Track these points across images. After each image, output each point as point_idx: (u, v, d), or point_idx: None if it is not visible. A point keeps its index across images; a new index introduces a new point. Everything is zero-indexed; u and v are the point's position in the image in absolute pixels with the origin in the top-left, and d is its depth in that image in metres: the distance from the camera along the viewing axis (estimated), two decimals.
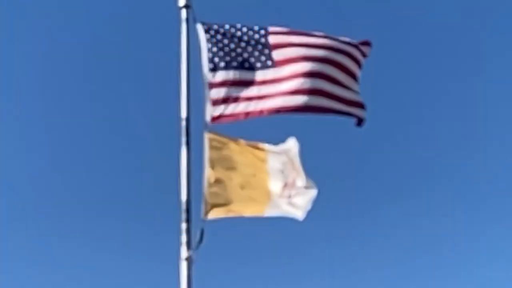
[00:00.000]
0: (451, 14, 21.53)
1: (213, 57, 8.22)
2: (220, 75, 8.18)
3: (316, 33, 8.53)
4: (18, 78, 20.04)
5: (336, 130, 18.72)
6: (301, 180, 8.09)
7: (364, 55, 8.67)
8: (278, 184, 8.17)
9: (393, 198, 20.45)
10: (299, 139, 8.29)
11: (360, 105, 8.45)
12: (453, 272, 19.60)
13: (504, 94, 21.17)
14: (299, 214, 8.11)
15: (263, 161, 8.23)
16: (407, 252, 19.64)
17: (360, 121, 8.44)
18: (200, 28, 8.37)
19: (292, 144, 8.22)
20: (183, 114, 8.01)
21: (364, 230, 19.75)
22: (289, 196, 8.12)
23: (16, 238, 18.77)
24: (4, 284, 17.71)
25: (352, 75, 8.52)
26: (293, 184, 8.13)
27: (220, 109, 8.08)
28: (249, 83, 8.20)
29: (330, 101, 8.27)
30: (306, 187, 8.09)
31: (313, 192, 8.07)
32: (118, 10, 20.31)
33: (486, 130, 21.22)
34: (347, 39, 8.59)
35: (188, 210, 7.65)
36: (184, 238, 7.56)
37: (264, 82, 8.22)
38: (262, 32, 8.43)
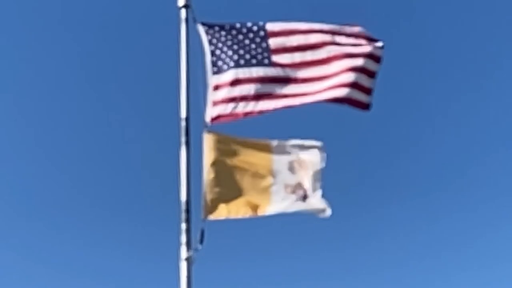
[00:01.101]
0: (457, 16, 21.55)
1: (216, 60, 8.24)
2: (221, 77, 8.19)
3: (315, 27, 8.51)
4: (17, 78, 20.06)
5: (337, 131, 18.76)
6: (308, 181, 8.10)
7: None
8: (281, 182, 8.16)
9: (394, 198, 20.45)
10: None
11: (368, 91, 8.42)
12: (453, 273, 19.62)
13: (507, 96, 21.17)
14: (320, 212, 8.08)
15: (267, 158, 8.21)
16: (407, 252, 19.68)
17: (366, 106, 8.44)
18: (201, 30, 8.37)
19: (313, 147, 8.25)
20: (183, 114, 8.01)
21: (364, 231, 19.76)
22: (294, 194, 8.12)
23: (16, 238, 18.81)
24: (5, 283, 17.74)
25: (366, 56, 8.43)
26: (299, 184, 8.13)
27: (219, 109, 8.10)
28: (247, 83, 8.20)
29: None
30: (309, 188, 8.10)
31: (319, 193, 8.08)
32: (117, 10, 20.31)
33: (489, 132, 21.24)
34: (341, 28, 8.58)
35: (188, 210, 7.66)
36: (184, 238, 7.57)
37: (263, 82, 8.23)
38: (262, 33, 8.43)
